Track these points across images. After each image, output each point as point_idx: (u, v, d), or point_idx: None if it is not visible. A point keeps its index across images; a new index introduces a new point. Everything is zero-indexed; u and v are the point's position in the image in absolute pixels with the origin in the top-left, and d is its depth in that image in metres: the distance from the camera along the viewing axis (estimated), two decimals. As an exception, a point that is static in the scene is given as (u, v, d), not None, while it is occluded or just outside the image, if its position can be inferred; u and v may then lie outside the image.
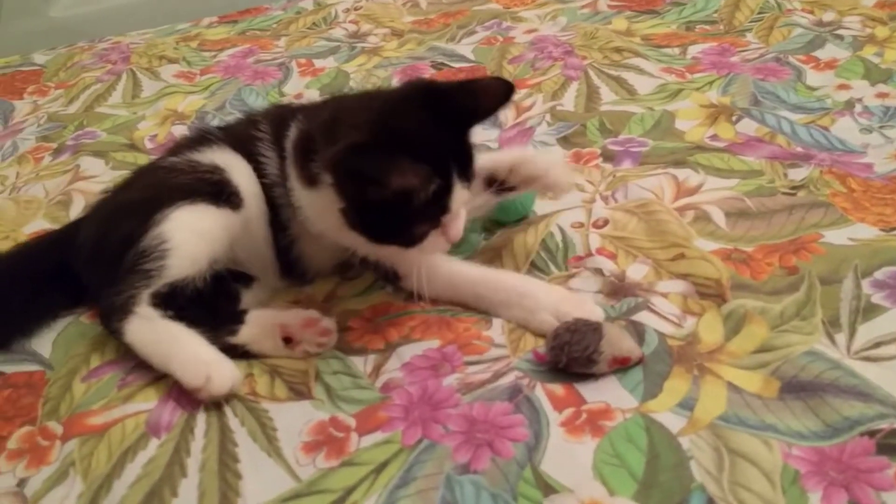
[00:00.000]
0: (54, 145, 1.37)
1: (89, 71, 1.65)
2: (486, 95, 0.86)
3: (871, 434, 0.69)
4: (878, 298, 0.84)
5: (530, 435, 0.74)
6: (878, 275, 0.87)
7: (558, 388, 0.79)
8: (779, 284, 0.88)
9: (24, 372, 0.88)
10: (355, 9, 1.87)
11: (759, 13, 1.60)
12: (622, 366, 0.79)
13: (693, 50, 1.48)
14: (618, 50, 1.50)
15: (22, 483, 0.75)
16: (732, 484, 0.67)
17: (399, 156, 0.76)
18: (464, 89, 0.86)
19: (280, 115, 0.98)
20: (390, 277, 0.95)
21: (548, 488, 0.68)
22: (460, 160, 0.83)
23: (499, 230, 1.04)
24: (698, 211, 1.01)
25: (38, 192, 1.23)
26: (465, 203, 0.85)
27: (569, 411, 0.76)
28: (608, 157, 1.17)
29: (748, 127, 1.20)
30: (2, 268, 1.00)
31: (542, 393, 0.78)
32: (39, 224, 1.14)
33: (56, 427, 0.81)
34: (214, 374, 0.80)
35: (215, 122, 1.38)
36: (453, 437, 0.74)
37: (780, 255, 0.92)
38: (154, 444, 0.77)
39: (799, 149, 1.13)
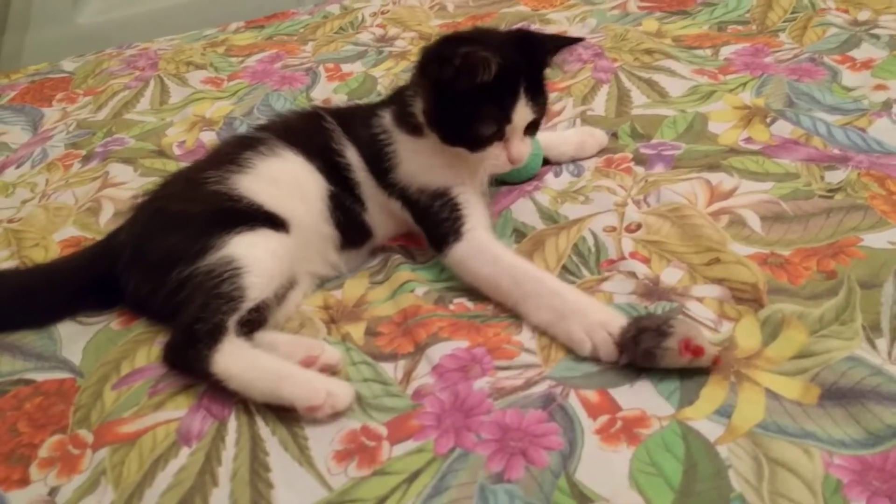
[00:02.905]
0: (83, 152, 1.38)
1: (117, 77, 1.66)
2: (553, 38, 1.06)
3: (915, 443, 0.67)
4: (921, 303, 0.82)
5: (565, 443, 0.72)
6: (922, 278, 0.84)
7: (593, 395, 0.77)
8: (817, 289, 0.86)
9: (54, 380, 0.88)
10: (382, 13, 1.87)
11: (793, 13, 1.58)
12: (695, 356, 0.76)
13: (725, 51, 1.46)
14: (648, 52, 1.48)
15: (53, 492, 0.75)
16: (773, 494, 0.65)
17: (471, 42, 0.91)
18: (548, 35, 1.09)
19: (339, 110, 1.14)
20: (440, 238, 0.97)
21: (583, 498, 0.67)
22: (531, 82, 0.95)
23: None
24: (733, 215, 0.99)
25: (67, 198, 1.24)
26: (528, 121, 0.96)
27: (604, 419, 0.75)
28: (640, 161, 1.15)
29: (783, 129, 1.18)
30: (45, 276, 1.01)
31: (577, 400, 0.77)
32: (69, 231, 1.14)
33: (87, 435, 0.80)
34: (334, 388, 0.79)
35: (242, 128, 1.38)
36: (487, 446, 0.73)
37: (819, 259, 0.90)
38: (185, 452, 0.77)
39: (836, 151, 1.11)
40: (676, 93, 1.33)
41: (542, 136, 1.19)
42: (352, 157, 1.04)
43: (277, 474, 0.74)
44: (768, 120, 1.20)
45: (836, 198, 1.00)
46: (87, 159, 1.36)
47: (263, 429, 0.79)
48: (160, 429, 0.80)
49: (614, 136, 1.23)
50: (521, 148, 0.97)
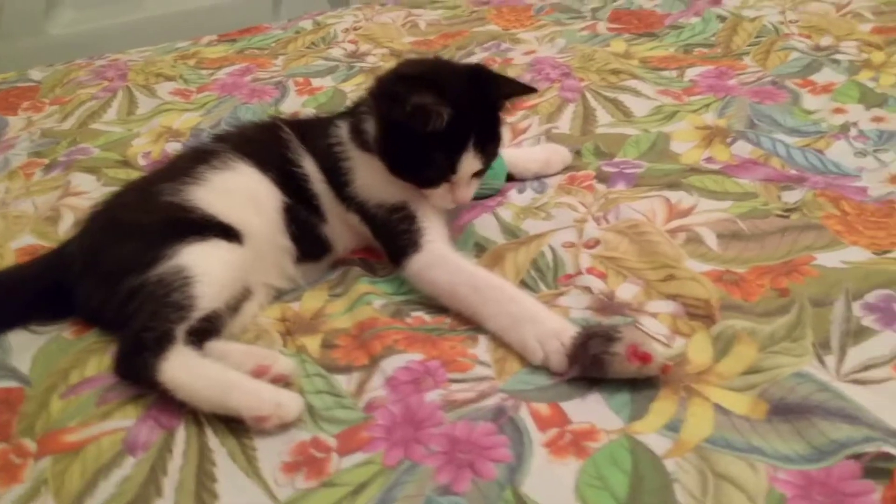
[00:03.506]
0: (46, 161, 1.36)
1: (85, 87, 1.65)
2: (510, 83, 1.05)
3: (858, 457, 0.68)
4: (868, 321, 0.83)
5: (513, 456, 0.72)
6: (870, 297, 0.86)
7: (544, 408, 0.77)
8: (770, 306, 0.87)
9: (1, 388, 0.86)
10: (354, 29, 1.88)
11: (757, 37, 1.61)
12: (643, 363, 0.76)
13: (691, 73, 1.48)
14: (615, 72, 1.50)
15: (-7, 501, 0.74)
16: (717, 509, 0.66)
17: (426, 87, 0.90)
18: (505, 78, 1.05)
19: (298, 121, 1.14)
20: (399, 250, 0.97)
21: (528, 511, 0.67)
22: (481, 133, 0.95)
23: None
24: (690, 233, 1.00)
25: (27, 207, 1.22)
26: (473, 171, 0.97)
27: (553, 432, 0.75)
28: (602, 178, 1.16)
29: (743, 149, 1.20)
30: None
31: (528, 413, 0.77)
32: (27, 240, 1.13)
33: (31, 444, 0.79)
34: (283, 400, 0.78)
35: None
36: (436, 458, 0.73)
37: (773, 277, 0.91)
38: (130, 462, 0.76)
39: (793, 171, 1.13)
40: (641, 113, 1.35)
41: (508, 152, 1.20)
42: (309, 168, 1.03)
43: (223, 485, 0.73)
44: (729, 140, 1.22)
45: (793, 217, 1.02)
46: (49, 168, 1.34)
47: (213, 440, 0.78)
48: (106, 438, 0.78)
49: (578, 153, 1.24)
50: (465, 192, 0.99)
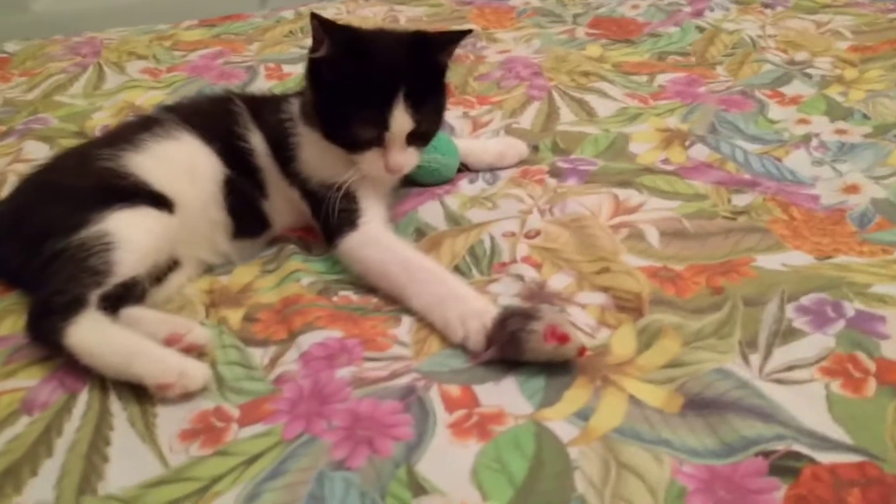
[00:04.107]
0: (3, 128, 1.35)
1: (57, 62, 1.64)
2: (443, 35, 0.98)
3: (766, 455, 0.66)
4: (800, 323, 0.81)
5: (414, 435, 0.70)
6: (805, 300, 0.84)
7: (455, 390, 0.75)
8: (703, 303, 0.85)
9: None
10: (335, 19, 1.87)
11: (733, 48, 1.60)
12: (560, 343, 0.74)
13: (661, 78, 1.47)
14: (585, 74, 1.49)
15: None
16: (614, 497, 0.63)
17: (341, 27, 0.91)
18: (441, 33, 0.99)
19: (253, 96, 1.10)
20: (334, 230, 0.95)
21: (419, 489, 0.65)
22: (415, 90, 0.90)
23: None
24: (633, 229, 0.99)
25: (-28, 170, 1.21)
26: (405, 130, 0.92)
27: (460, 413, 0.73)
28: (555, 174, 1.14)
29: (700, 153, 1.18)
30: None
31: (437, 394, 0.75)
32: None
33: (-75, 397, 0.77)
34: (188, 368, 0.76)
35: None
36: (335, 433, 0.71)
37: (709, 276, 0.89)
38: (24, 421, 0.74)
39: (747, 176, 1.11)
40: (605, 113, 1.34)
41: (463, 142, 1.19)
42: (256, 142, 1.02)
43: (116, 449, 0.71)
44: (687, 143, 1.20)
45: (739, 220, 1.00)
46: (5, 136, 1.33)
47: (115, 404, 0.76)
48: (5, 396, 0.76)
49: (535, 148, 1.22)
50: (399, 158, 0.94)
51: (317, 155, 0.99)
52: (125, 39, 1.77)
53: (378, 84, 0.90)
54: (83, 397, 0.77)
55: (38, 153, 1.24)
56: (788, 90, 1.39)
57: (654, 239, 0.97)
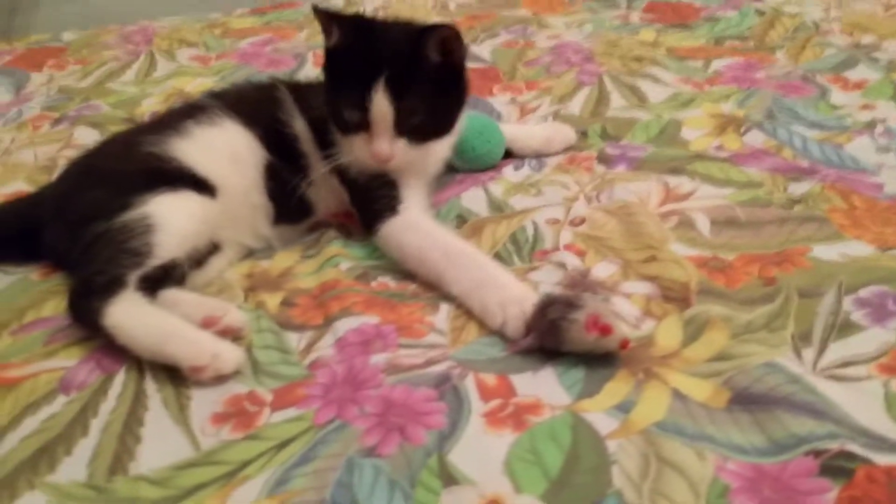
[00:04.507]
0: (56, 115, 1.37)
1: (110, 49, 1.67)
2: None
3: (818, 454, 0.62)
4: (857, 317, 0.77)
5: (447, 423, 0.68)
6: (864, 292, 0.79)
7: (491, 379, 0.73)
8: (754, 294, 0.81)
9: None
10: (384, 7, 1.86)
11: (794, 32, 1.53)
12: (602, 334, 0.72)
13: (717, 63, 1.42)
14: (637, 59, 1.44)
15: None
16: (653, 492, 0.61)
17: (334, 16, 0.92)
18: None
19: (297, 83, 1.10)
20: (373, 216, 0.94)
21: (450, 479, 0.63)
22: (398, 77, 0.88)
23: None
24: (683, 216, 0.95)
25: (28, 157, 1.23)
26: (385, 115, 0.89)
27: (496, 402, 0.70)
28: (604, 160, 1.11)
29: (756, 139, 1.13)
30: None
31: (473, 382, 0.73)
32: (18, 186, 1.13)
33: (-31, 375, 0.78)
34: (222, 352, 0.76)
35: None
36: (367, 420, 0.69)
37: (762, 266, 0.85)
38: (62, 400, 0.74)
39: (804, 163, 1.06)
40: (657, 98, 1.29)
41: (508, 128, 1.16)
42: (300, 128, 1.01)
43: (149, 429, 0.71)
44: (742, 129, 1.16)
45: (795, 209, 0.95)
46: (58, 122, 1.35)
47: (151, 385, 0.76)
48: (44, 376, 0.77)
49: (584, 134, 1.19)
50: (383, 146, 0.91)
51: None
52: (177, 27, 1.79)
53: (362, 68, 0.90)
54: (119, 378, 0.77)
55: (88, 139, 1.26)
56: (852, 75, 1.33)
57: (705, 227, 0.93)
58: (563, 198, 1.02)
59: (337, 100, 0.93)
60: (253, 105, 1.03)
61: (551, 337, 0.73)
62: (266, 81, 1.12)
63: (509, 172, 1.10)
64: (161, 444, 0.69)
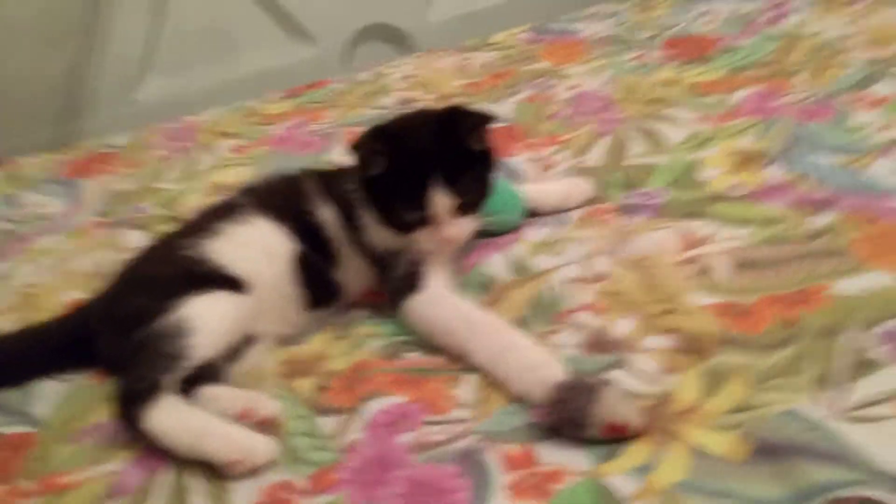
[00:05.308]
0: (109, 220, 1.46)
1: (157, 149, 1.77)
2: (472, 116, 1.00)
3: (839, 502, 0.62)
4: (880, 352, 0.76)
5: (473, 499, 0.70)
6: (885, 327, 0.79)
7: (516, 449, 0.75)
8: (774, 338, 0.82)
9: (14, 433, 0.92)
10: (412, 76, 1.92)
11: (814, 52, 1.52)
12: (620, 434, 0.74)
13: (737, 96, 1.41)
14: (655, 101, 1.46)
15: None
16: (674, 555, 0.61)
17: (373, 138, 0.97)
18: (471, 113, 1.00)
19: (323, 171, 1.17)
20: (399, 293, 0.98)
21: (476, 556, 0.65)
22: (450, 169, 0.94)
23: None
24: (702, 263, 0.96)
25: (82, 264, 1.31)
26: (449, 207, 0.95)
27: (519, 473, 0.72)
28: (624, 211, 1.12)
29: (776, 173, 1.13)
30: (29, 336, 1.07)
31: (495, 455, 0.75)
32: (75, 293, 1.21)
33: (29, 486, 0.84)
34: (254, 445, 0.81)
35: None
36: (396, 501, 0.72)
37: (782, 307, 0.85)
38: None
39: (825, 193, 1.05)
40: (675, 139, 1.30)
41: (528, 187, 1.19)
42: (327, 215, 1.06)
43: (193, 525, 0.75)
44: (762, 164, 1.15)
45: (815, 243, 0.95)
46: (109, 227, 1.44)
47: (191, 481, 0.81)
48: (97, 480, 0.83)
49: (604, 186, 1.20)
50: (451, 231, 0.97)
51: (379, 226, 1.02)
52: (217, 120, 1.88)
53: (412, 173, 0.95)
54: (164, 476, 0.82)
55: (136, 242, 1.33)
56: (877, 90, 1.31)
57: (725, 272, 0.93)
58: (584, 254, 1.04)
59: (392, 206, 0.97)
60: (281, 198, 1.09)
61: (570, 428, 0.75)
62: (293, 173, 1.17)
63: (531, 232, 1.13)
64: (205, 540, 0.74)
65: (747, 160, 1.18)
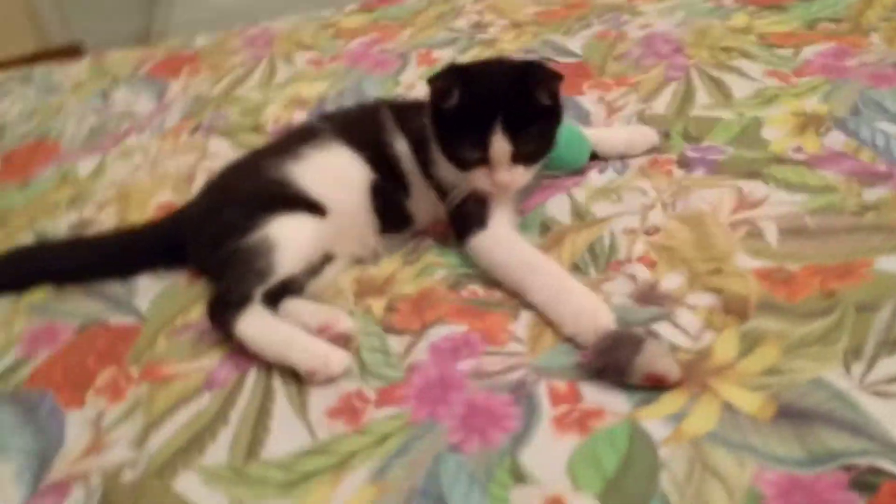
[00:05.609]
0: (193, 124, 1.55)
1: (236, 54, 1.84)
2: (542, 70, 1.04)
3: (849, 469, 0.70)
4: (911, 331, 0.82)
5: (521, 427, 0.80)
6: (921, 307, 0.84)
7: (562, 385, 0.84)
8: (813, 307, 0.87)
9: (123, 324, 1.05)
10: (484, 9, 1.93)
11: (894, 10, 1.50)
12: (658, 385, 0.81)
13: (808, 51, 1.42)
14: (726, 49, 1.47)
15: (100, 415, 0.92)
16: (694, 497, 0.70)
17: (451, 74, 1.03)
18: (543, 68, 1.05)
19: (400, 103, 1.26)
20: (465, 229, 1.06)
21: (519, 477, 0.75)
22: (513, 118, 1.00)
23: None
24: (752, 226, 1.01)
25: (172, 167, 1.41)
26: (506, 154, 1.01)
27: (563, 408, 0.81)
28: (683, 163, 1.17)
29: (836, 139, 1.16)
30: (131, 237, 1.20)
31: (545, 389, 0.84)
32: (166, 196, 1.31)
33: (135, 371, 0.97)
34: (332, 357, 0.92)
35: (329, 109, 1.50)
36: (454, 419, 0.82)
37: (823, 278, 0.91)
38: (207, 396, 0.91)
39: (883, 167, 1.08)
40: (742, 94, 1.32)
41: (593, 131, 1.24)
42: (401, 148, 1.13)
43: (276, 421, 0.87)
44: (823, 129, 1.18)
45: (867, 216, 0.99)
46: (194, 131, 1.53)
47: (277, 381, 0.92)
48: (193, 374, 0.95)
49: (666, 135, 1.25)
50: (505, 177, 1.02)
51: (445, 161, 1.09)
52: (294, 29, 1.93)
53: (478, 113, 1.01)
54: (252, 376, 0.93)
55: (221, 149, 1.43)
56: (954, 58, 1.31)
57: (773, 237, 0.99)
58: (641, 205, 1.09)
59: (454, 142, 1.04)
60: (359, 128, 1.16)
61: (613, 374, 0.83)
62: (371, 104, 1.24)
63: (593, 177, 1.18)
64: (285, 434, 0.85)
65: (809, 123, 1.21)
